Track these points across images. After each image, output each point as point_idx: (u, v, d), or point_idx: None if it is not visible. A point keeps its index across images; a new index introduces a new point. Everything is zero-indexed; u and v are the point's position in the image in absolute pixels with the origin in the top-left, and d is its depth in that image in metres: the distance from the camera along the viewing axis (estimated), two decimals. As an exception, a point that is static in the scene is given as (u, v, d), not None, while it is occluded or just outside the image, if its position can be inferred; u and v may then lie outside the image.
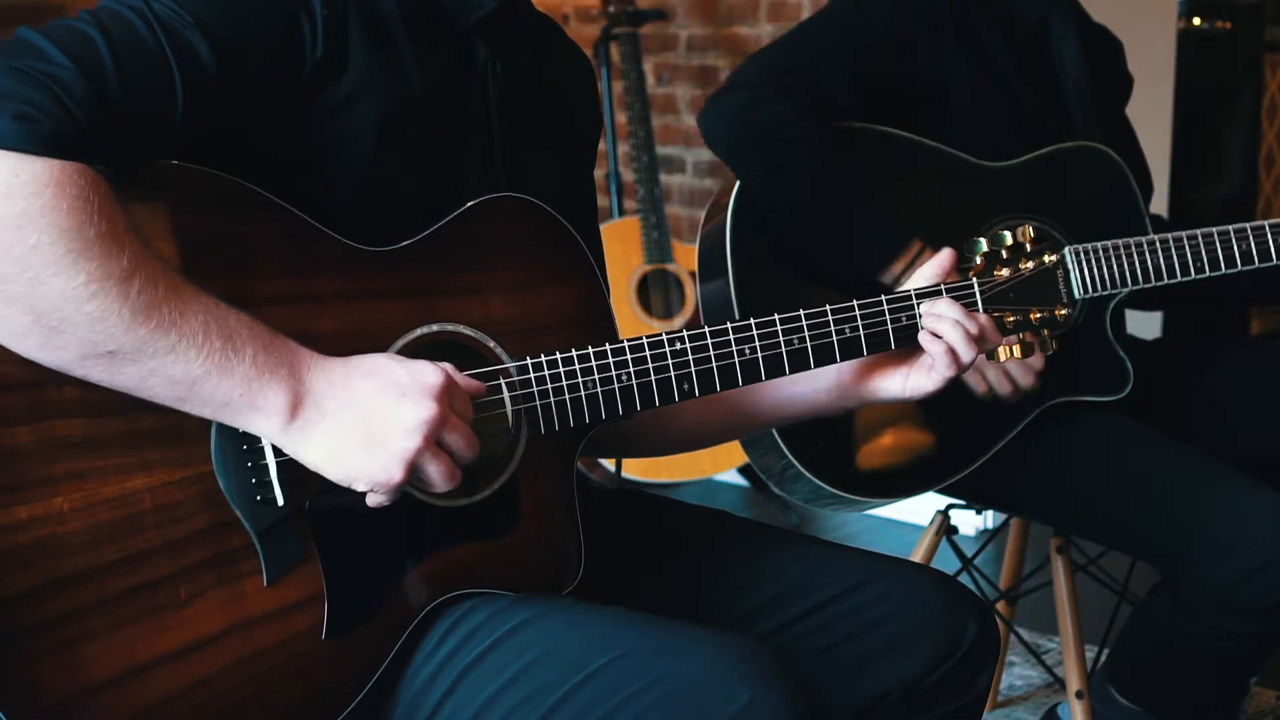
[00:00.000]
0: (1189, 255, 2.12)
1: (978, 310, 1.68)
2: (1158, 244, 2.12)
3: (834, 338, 1.60)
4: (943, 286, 1.67)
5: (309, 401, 1.33)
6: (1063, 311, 1.74)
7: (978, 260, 1.72)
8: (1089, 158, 2.26)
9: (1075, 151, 2.26)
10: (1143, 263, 2.11)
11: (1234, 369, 2.34)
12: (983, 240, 1.73)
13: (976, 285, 1.70)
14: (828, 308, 1.60)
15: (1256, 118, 5.21)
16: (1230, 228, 2.13)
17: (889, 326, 1.63)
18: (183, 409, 1.31)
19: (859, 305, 1.62)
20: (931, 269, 1.70)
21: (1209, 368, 2.36)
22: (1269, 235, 2.14)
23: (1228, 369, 2.34)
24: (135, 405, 1.30)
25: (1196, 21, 5.05)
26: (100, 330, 1.25)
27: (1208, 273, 2.13)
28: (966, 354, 1.62)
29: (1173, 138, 4.61)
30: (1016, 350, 1.71)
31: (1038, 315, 1.73)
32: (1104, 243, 2.10)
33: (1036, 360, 2.04)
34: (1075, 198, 2.24)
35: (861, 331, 1.61)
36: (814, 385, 1.70)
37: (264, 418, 1.32)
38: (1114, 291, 2.13)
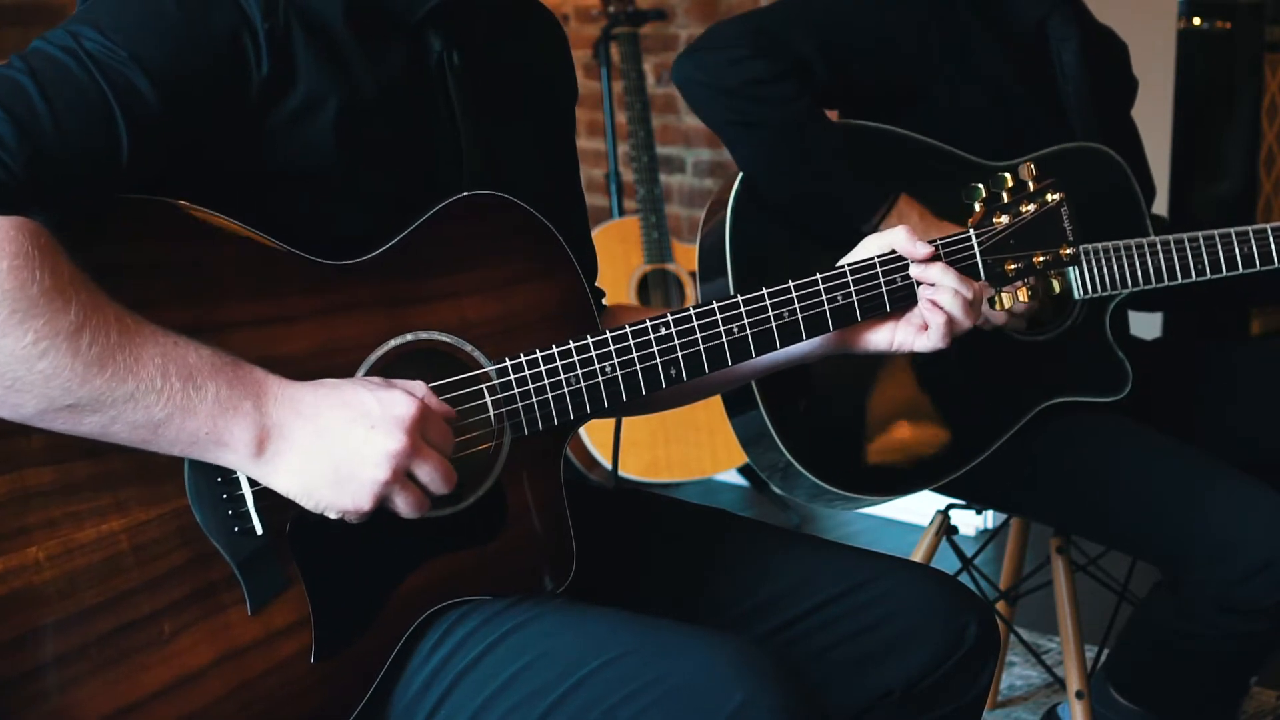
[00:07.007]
0: (1190, 257, 2.12)
1: (977, 270, 1.64)
2: (1159, 246, 2.11)
3: (826, 307, 1.58)
4: (940, 245, 1.62)
5: (275, 433, 1.31)
6: (1067, 251, 1.68)
7: (976, 208, 1.68)
8: (1091, 158, 2.26)
9: (1078, 152, 2.25)
10: (1144, 264, 2.11)
11: (1234, 369, 2.34)
12: (981, 186, 1.69)
13: (974, 236, 1.65)
14: (818, 275, 1.58)
15: (1256, 118, 5.19)
16: (1232, 230, 2.13)
17: (884, 290, 1.60)
18: (150, 449, 1.30)
19: (850, 270, 1.59)
20: (886, 237, 1.64)
21: (1209, 368, 2.35)
22: (1270, 238, 2.14)
23: (1228, 369, 2.34)
24: (105, 447, 1.29)
25: (1196, 21, 5.05)
26: (55, 386, 1.23)
27: (1209, 275, 2.13)
28: (964, 323, 1.61)
29: (1173, 138, 4.60)
30: (1022, 295, 1.67)
31: (1041, 259, 1.68)
32: (1105, 243, 2.10)
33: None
34: (1077, 198, 2.22)
35: (855, 298, 1.59)
36: None
37: (231, 453, 1.31)
38: (1115, 292, 2.12)
